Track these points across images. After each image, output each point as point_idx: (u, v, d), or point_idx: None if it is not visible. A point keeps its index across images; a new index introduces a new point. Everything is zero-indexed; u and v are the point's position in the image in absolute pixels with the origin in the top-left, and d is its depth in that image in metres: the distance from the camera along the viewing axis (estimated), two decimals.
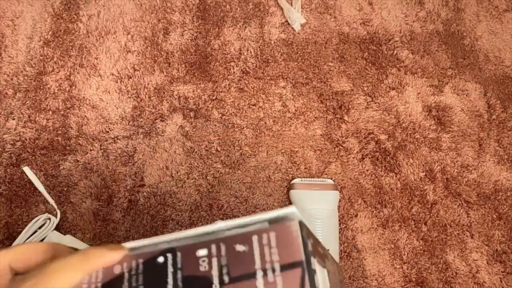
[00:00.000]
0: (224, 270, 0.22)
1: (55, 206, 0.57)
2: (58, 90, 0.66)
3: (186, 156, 0.64)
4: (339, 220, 0.61)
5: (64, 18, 0.71)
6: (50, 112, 0.65)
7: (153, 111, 0.66)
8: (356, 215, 0.62)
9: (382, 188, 0.64)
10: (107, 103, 0.66)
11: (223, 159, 0.64)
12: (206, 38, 0.72)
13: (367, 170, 0.65)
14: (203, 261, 0.23)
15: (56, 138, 0.63)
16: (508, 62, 0.75)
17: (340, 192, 0.63)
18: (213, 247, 0.23)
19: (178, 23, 0.73)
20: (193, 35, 0.72)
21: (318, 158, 0.65)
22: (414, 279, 0.59)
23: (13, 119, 0.64)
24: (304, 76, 0.71)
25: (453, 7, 0.79)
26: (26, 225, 0.54)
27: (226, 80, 0.69)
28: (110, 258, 0.26)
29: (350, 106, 0.69)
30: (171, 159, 0.64)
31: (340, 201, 0.62)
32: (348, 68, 0.72)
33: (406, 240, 0.61)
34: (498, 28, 0.78)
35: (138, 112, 0.66)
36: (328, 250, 0.54)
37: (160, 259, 0.24)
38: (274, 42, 0.73)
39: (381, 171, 0.65)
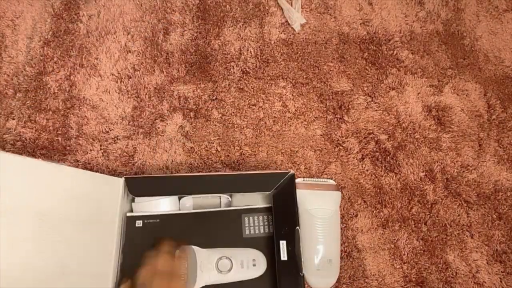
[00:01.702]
0: None
1: None
2: (58, 90, 0.66)
3: (186, 156, 0.64)
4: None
5: (64, 18, 0.71)
6: (50, 112, 0.65)
7: (153, 111, 0.66)
8: (356, 215, 0.62)
9: (382, 188, 0.64)
10: (107, 103, 0.66)
11: (223, 159, 0.64)
12: (206, 38, 0.72)
13: (367, 170, 0.65)
14: None
15: (56, 138, 0.63)
16: (508, 62, 0.75)
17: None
18: None
19: (178, 23, 0.73)
20: (193, 35, 0.72)
21: (318, 158, 0.65)
22: (414, 279, 0.59)
23: (13, 119, 0.64)
24: (304, 76, 0.71)
25: (453, 7, 0.79)
26: None
27: (226, 80, 0.69)
28: None
29: (350, 106, 0.69)
30: (171, 159, 0.64)
31: (340, 201, 0.62)
32: (348, 68, 0.72)
33: (406, 240, 0.61)
34: (498, 28, 0.78)
35: (138, 112, 0.66)
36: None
37: None
38: (274, 42, 0.73)
39: (381, 171, 0.65)
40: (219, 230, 0.54)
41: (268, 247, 0.52)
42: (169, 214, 0.53)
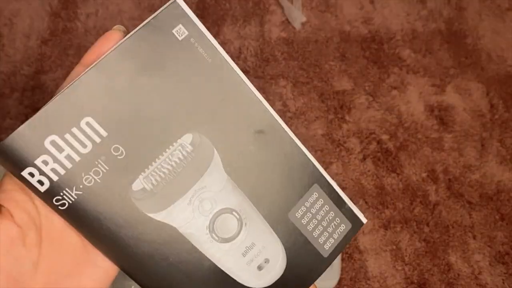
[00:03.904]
0: None
1: None
2: (56, 89, 0.66)
3: None
4: None
5: (62, 17, 0.71)
6: None
7: None
8: None
9: (384, 188, 0.63)
10: None
11: None
12: None
13: (369, 171, 0.64)
14: None
15: None
16: (511, 61, 0.74)
17: None
18: None
19: None
20: None
21: (319, 158, 0.65)
22: (416, 281, 0.59)
23: (11, 118, 0.63)
24: (305, 75, 0.70)
25: (455, 6, 0.78)
26: None
27: None
28: None
29: (351, 106, 0.68)
30: None
31: None
32: (349, 67, 0.71)
33: (408, 241, 0.61)
34: (501, 27, 0.77)
35: None
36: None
37: None
38: (274, 41, 0.72)
39: (382, 171, 0.64)
40: (269, 170, 0.24)
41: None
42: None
